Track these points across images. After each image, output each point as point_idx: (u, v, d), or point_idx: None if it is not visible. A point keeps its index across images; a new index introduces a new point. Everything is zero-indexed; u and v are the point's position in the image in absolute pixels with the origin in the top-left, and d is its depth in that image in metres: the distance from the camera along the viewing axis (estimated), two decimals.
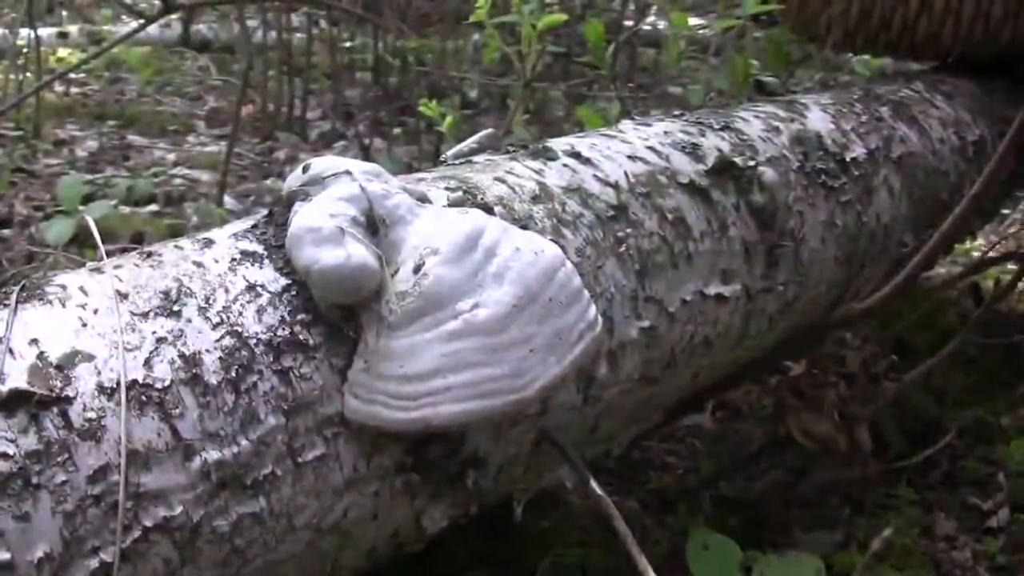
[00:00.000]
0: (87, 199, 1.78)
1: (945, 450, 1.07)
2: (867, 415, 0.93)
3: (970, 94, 1.22)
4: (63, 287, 0.48)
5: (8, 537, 0.40)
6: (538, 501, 0.83)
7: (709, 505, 0.96)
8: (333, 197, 0.49)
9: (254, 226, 0.53)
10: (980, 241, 1.71)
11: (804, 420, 0.91)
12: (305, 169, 0.52)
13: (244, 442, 0.45)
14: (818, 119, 0.92)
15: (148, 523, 0.43)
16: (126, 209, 1.83)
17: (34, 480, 0.41)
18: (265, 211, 0.54)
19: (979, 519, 1.00)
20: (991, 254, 1.23)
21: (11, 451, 0.41)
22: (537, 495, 0.81)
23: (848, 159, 0.89)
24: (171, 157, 2.34)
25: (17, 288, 0.47)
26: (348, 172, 0.50)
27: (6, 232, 1.69)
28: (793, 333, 0.86)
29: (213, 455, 0.45)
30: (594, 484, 0.52)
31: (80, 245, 1.49)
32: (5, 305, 0.46)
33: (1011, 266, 1.36)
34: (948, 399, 1.18)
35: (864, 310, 0.86)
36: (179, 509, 0.44)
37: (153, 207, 1.90)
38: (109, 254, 0.55)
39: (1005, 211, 1.81)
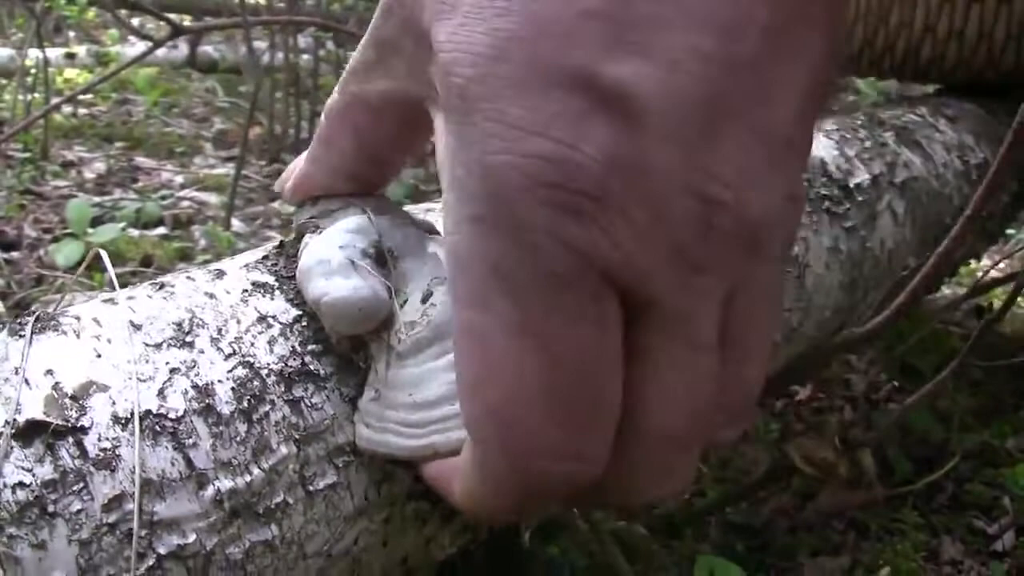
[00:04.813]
0: (95, 221, 1.79)
1: (950, 474, 1.08)
2: (871, 440, 0.93)
3: (974, 117, 1.23)
4: (77, 318, 0.49)
5: (25, 565, 0.40)
6: (545, 526, 0.83)
7: (716, 530, 0.97)
8: (342, 229, 0.50)
9: (265, 257, 0.54)
10: (986, 262, 1.72)
11: (805, 446, 0.91)
12: (314, 201, 0.53)
13: (256, 471, 0.46)
14: (822, 145, 0.93)
15: (162, 551, 0.43)
16: (134, 232, 1.84)
17: (50, 508, 0.42)
18: (273, 238, 0.54)
19: (985, 543, 1.01)
20: (994, 274, 1.24)
21: (28, 480, 0.42)
22: (544, 521, 0.81)
23: (852, 185, 0.90)
24: (179, 179, 2.35)
25: (32, 319, 0.48)
26: (357, 204, 0.51)
27: (15, 254, 1.70)
28: (798, 359, 0.86)
29: (226, 484, 0.45)
30: (592, 519, 0.52)
31: (89, 268, 1.50)
32: (20, 336, 0.47)
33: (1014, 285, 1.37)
34: (953, 422, 1.18)
35: (865, 334, 0.87)
36: (192, 537, 0.44)
37: (161, 230, 1.91)
38: (119, 277, 0.56)
39: (1010, 231, 1.82)
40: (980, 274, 1.40)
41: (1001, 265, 1.33)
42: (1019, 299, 0.99)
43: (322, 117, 0.49)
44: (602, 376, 0.34)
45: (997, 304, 0.97)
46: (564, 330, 0.33)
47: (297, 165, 0.53)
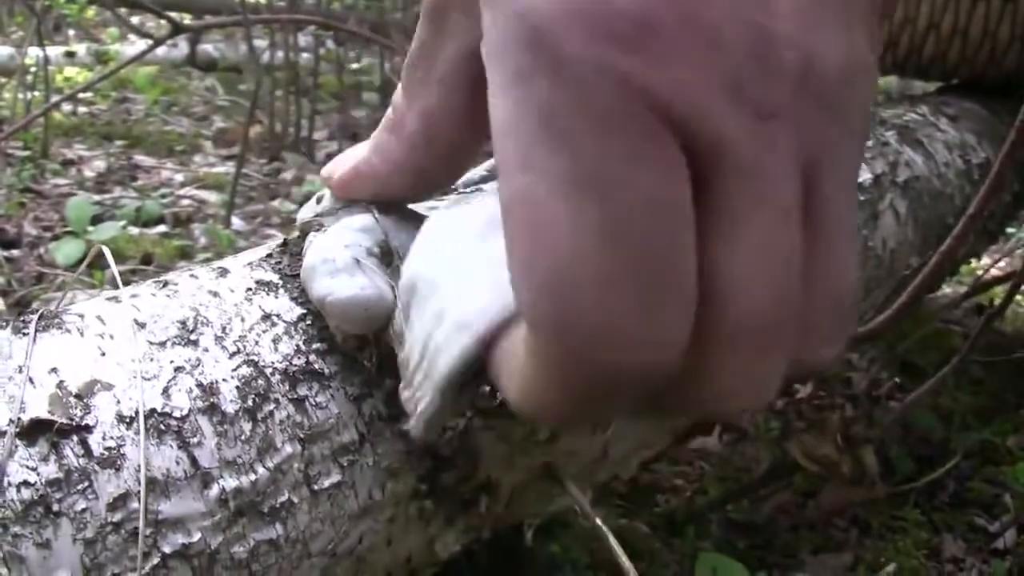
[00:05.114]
0: (95, 220, 1.79)
1: (952, 472, 1.08)
2: (872, 437, 0.93)
3: (975, 116, 1.23)
4: (81, 316, 0.48)
5: (29, 564, 0.40)
6: (548, 525, 0.84)
7: (717, 528, 0.97)
8: (348, 228, 0.49)
9: (268, 255, 0.54)
10: (986, 261, 1.72)
11: (807, 443, 0.91)
12: (319, 200, 0.53)
13: (261, 470, 0.46)
14: None
15: (167, 550, 0.43)
16: (135, 230, 1.84)
17: (55, 507, 0.42)
18: (273, 237, 0.54)
19: (986, 540, 1.01)
20: (994, 272, 1.24)
21: (32, 479, 0.42)
22: (547, 519, 0.81)
23: None
24: (179, 177, 2.35)
25: (36, 317, 0.48)
26: (362, 203, 0.51)
27: (15, 252, 1.70)
28: None
29: (231, 483, 0.45)
30: (598, 521, 0.52)
31: (90, 266, 1.50)
32: (24, 334, 0.47)
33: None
34: (954, 420, 1.19)
35: (867, 333, 0.87)
36: (197, 536, 0.44)
37: (162, 228, 1.91)
38: (119, 276, 0.56)
39: (1010, 230, 1.82)
40: (980, 273, 1.40)
41: (1001, 264, 1.32)
42: (1020, 297, 0.99)
43: (389, 109, 0.47)
44: (673, 234, 0.30)
45: (998, 303, 0.97)
46: (623, 175, 0.29)
47: (355, 153, 0.49)
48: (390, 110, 0.47)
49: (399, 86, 0.46)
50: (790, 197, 0.31)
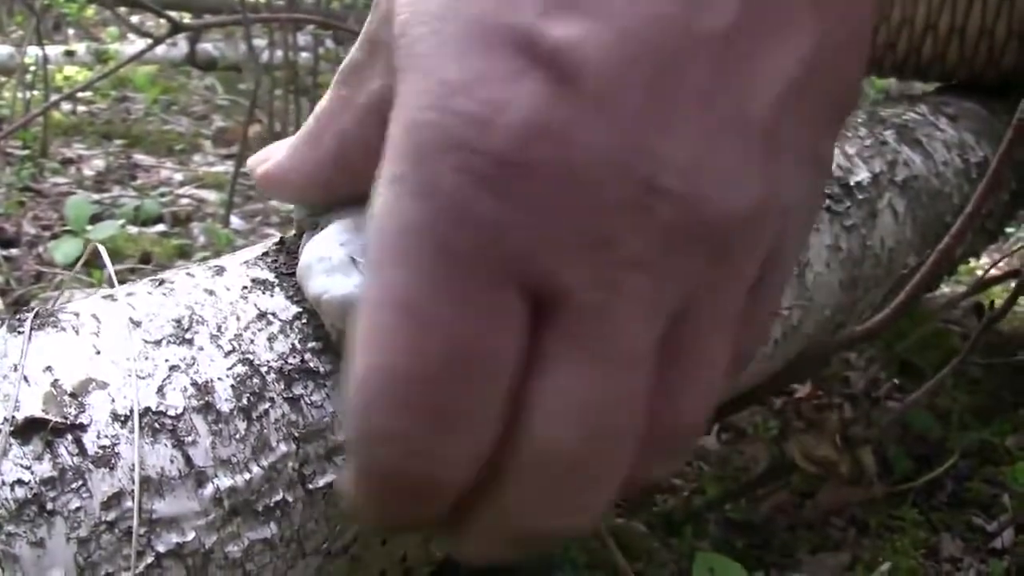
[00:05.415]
0: (95, 219, 1.79)
1: (950, 471, 1.08)
2: (871, 437, 0.93)
3: (974, 115, 1.23)
4: (76, 314, 0.48)
5: (23, 563, 0.40)
6: None
7: (715, 528, 0.97)
8: (343, 226, 0.49)
9: (265, 254, 0.54)
10: (984, 260, 1.72)
11: (806, 444, 0.91)
12: None
13: (256, 469, 0.46)
14: None
15: (161, 549, 0.43)
16: (133, 229, 1.84)
17: (49, 506, 0.41)
18: (272, 236, 0.54)
19: (984, 540, 1.01)
20: (993, 272, 1.24)
21: (26, 478, 0.42)
22: None
23: (852, 183, 0.90)
24: (178, 177, 2.35)
25: (31, 315, 0.48)
26: (359, 201, 0.51)
27: (14, 251, 1.70)
28: (798, 356, 0.86)
29: (225, 482, 0.45)
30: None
31: (88, 264, 1.50)
32: (19, 332, 0.47)
33: (1014, 284, 1.36)
34: (953, 420, 1.18)
35: (865, 332, 0.87)
36: (192, 535, 0.44)
37: (160, 227, 1.91)
38: (118, 274, 0.56)
39: (1009, 229, 1.82)
40: (980, 272, 1.40)
41: (1001, 264, 1.32)
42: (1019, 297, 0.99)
43: (311, 117, 0.47)
44: (479, 379, 0.30)
45: (997, 302, 0.97)
46: (450, 316, 0.29)
47: (278, 151, 0.49)
48: (312, 119, 0.46)
49: (327, 94, 0.46)
50: (639, 343, 0.31)
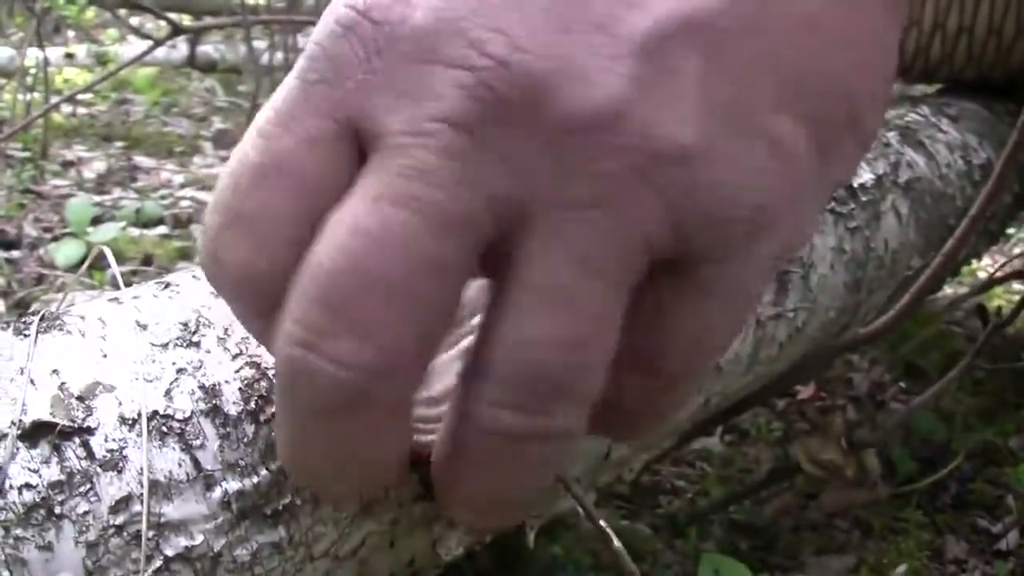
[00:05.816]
0: (95, 221, 1.79)
1: (954, 473, 1.08)
2: (875, 439, 0.93)
3: (976, 117, 1.23)
4: (82, 317, 0.48)
5: (32, 567, 0.40)
6: (550, 526, 0.83)
7: (719, 529, 0.97)
8: None
9: None
10: (987, 261, 1.72)
11: (810, 446, 0.91)
12: None
13: (264, 472, 0.46)
14: None
15: (170, 553, 0.43)
16: (135, 231, 1.84)
17: (57, 510, 0.41)
18: None
19: (989, 542, 1.00)
20: (997, 274, 1.24)
21: (34, 481, 0.41)
22: (549, 520, 0.81)
23: (856, 185, 0.90)
24: (178, 179, 2.35)
25: (37, 319, 0.48)
26: None
27: (15, 254, 1.70)
28: (802, 358, 0.86)
29: (234, 485, 0.45)
30: (602, 523, 0.52)
31: (90, 267, 1.50)
32: (25, 335, 0.46)
33: (1017, 285, 1.36)
34: (956, 422, 1.18)
35: (869, 334, 0.87)
36: (200, 539, 0.44)
37: (162, 229, 1.91)
38: (120, 276, 0.56)
39: (1010, 231, 1.82)
40: (982, 274, 1.40)
41: (1005, 267, 1.32)
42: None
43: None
44: (282, 186, 0.35)
45: (997, 303, 0.97)
46: (273, 132, 0.34)
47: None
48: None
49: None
50: (453, 204, 0.31)
